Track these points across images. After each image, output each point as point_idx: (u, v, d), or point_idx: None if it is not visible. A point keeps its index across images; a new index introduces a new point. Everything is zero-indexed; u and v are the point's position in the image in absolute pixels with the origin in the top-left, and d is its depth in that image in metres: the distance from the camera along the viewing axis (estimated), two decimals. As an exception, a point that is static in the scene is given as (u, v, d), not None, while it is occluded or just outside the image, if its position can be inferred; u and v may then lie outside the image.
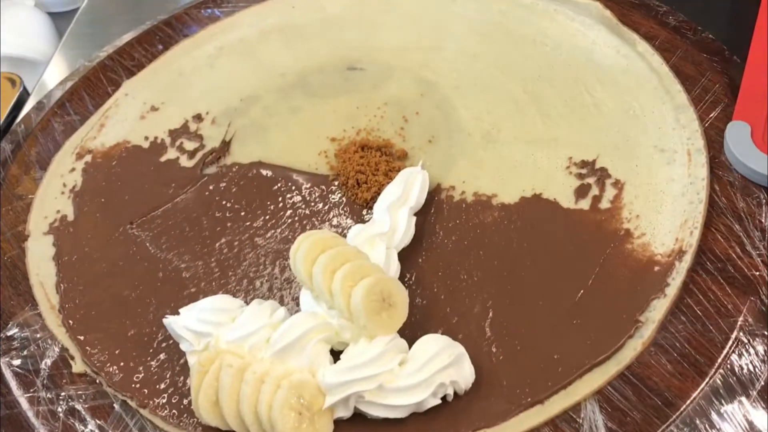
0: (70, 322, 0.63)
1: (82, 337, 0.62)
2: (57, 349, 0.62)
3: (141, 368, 0.60)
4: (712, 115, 0.69)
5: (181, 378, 0.59)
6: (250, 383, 0.53)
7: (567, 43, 0.79)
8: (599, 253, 0.62)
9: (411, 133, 0.76)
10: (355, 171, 0.70)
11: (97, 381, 0.60)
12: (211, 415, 0.54)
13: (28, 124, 0.81)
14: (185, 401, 0.58)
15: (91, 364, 0.61)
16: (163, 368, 0.60)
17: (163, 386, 0.59)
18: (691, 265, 0.60)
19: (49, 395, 0.59)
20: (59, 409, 0.58)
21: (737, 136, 0.65)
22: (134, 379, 0.59)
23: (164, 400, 0.58)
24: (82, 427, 0.57)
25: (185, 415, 0.57)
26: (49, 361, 0.61)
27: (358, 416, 0.55)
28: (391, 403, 0.54)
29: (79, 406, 0.58)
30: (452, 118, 0.76)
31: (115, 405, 0.58)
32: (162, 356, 0.60)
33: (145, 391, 0.59)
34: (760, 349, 0.55)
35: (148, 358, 0.60)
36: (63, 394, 0.59)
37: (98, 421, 0.57)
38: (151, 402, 0.58)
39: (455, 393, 0.56)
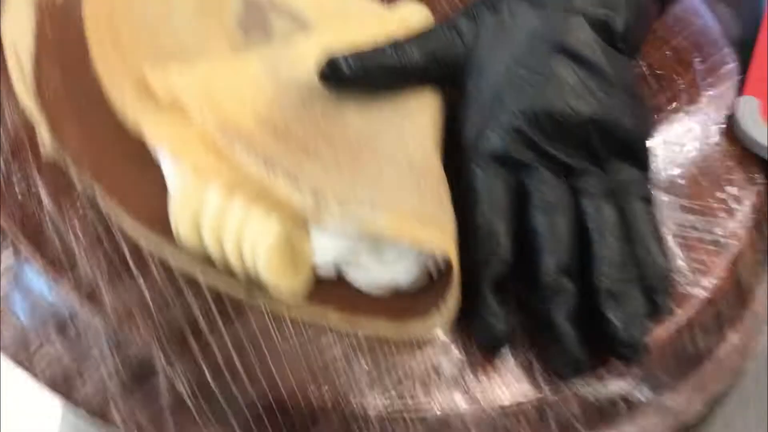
0: (44, 100, 0.57)
1: (53, 119, 0.56)
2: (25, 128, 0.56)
3: (117, 162, 0.54)
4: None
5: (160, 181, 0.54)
6: (238, 208, 0.50)
7: None
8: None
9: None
10: None
11: (65, 170, 0.54)
12: (190, 235, 0.50)
13: None
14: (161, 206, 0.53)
15: (60, 149, 0.55)
16: (141, 167, 0.54)
17: (137, 186, 0.54)
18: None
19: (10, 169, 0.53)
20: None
21: (747, 110, 0.67)
22: (107, 171, 0.54)
23: (136, 201, 0.53)
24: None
25: (158, 221, 0.52)
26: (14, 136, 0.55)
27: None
28: (374, 277, 0.52)
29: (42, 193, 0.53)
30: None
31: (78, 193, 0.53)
32: (143, 153, 0.55)
33: (118, 189, 0.53)
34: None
35: (128, 153, 0.55)
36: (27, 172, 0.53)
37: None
38: (122, 201, 0.53)
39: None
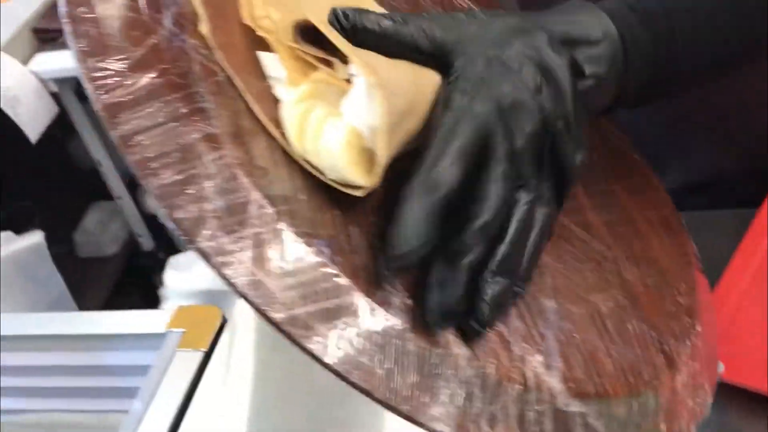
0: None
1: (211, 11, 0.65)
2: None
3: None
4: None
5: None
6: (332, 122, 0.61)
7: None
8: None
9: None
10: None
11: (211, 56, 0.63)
12: (297, 136, 0.61)
13: None
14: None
15: (213, 36, 0.64)
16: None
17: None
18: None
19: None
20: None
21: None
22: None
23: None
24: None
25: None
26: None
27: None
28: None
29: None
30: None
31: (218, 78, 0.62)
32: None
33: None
34: None
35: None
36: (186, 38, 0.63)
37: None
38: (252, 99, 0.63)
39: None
